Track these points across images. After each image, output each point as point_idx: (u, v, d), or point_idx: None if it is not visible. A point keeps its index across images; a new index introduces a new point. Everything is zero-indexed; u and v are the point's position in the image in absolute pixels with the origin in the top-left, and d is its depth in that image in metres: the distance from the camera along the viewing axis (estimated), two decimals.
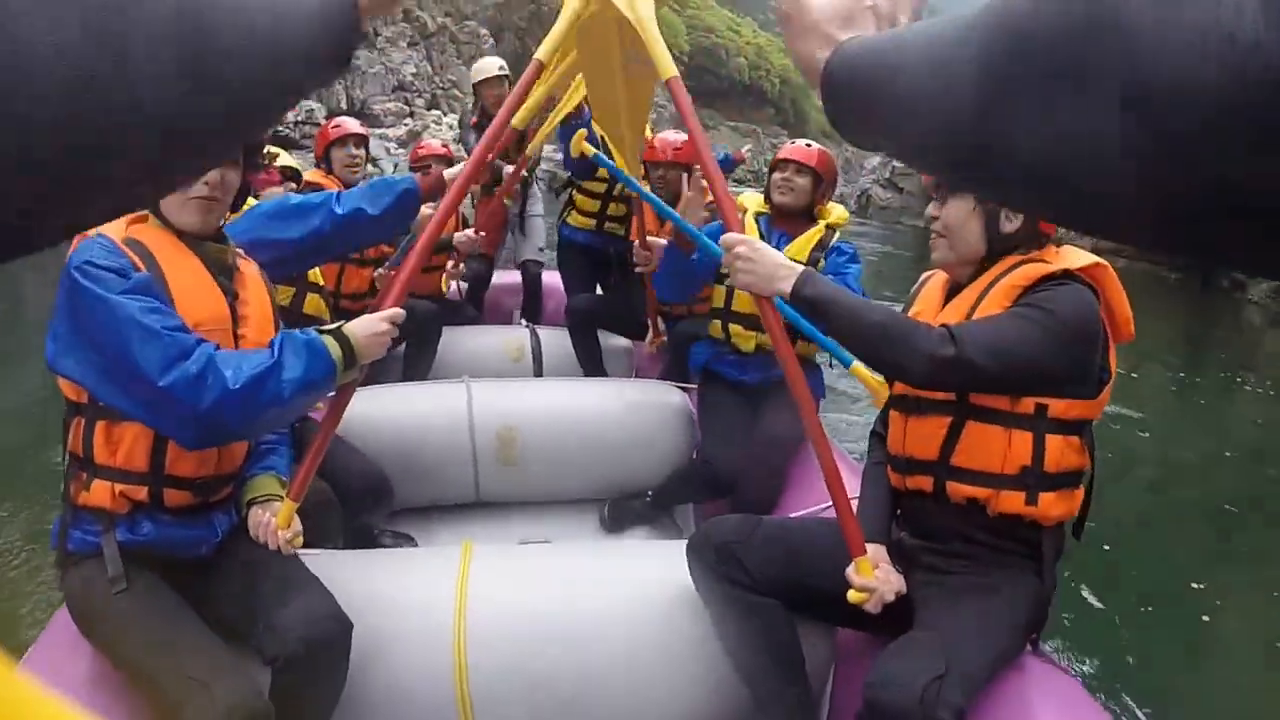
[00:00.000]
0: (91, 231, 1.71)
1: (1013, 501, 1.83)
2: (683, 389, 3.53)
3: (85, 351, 1.66)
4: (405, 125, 27.87)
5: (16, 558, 3.32)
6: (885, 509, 2.05)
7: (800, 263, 3.13)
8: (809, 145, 3.27)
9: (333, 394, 1.84)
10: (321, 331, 1.79)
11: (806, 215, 3.20)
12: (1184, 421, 7.91)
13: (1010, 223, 1.90)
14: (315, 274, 2.89)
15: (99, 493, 1.79)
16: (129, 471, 1.79)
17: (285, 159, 3.57)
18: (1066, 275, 1.81)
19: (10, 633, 2.67)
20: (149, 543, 1.82)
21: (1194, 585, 4.32)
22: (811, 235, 3.17)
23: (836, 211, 3.26)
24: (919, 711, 1.53)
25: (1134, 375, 8.30)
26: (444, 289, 4.48)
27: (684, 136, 3.88)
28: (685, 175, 3.84)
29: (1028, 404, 1.82)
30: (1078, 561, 4.08)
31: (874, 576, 1.77)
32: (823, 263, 3.12)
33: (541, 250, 5.29)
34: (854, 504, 1.85)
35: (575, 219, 4.64)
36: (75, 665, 1.78)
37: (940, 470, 1.90)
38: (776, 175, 3.23)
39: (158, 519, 1.83)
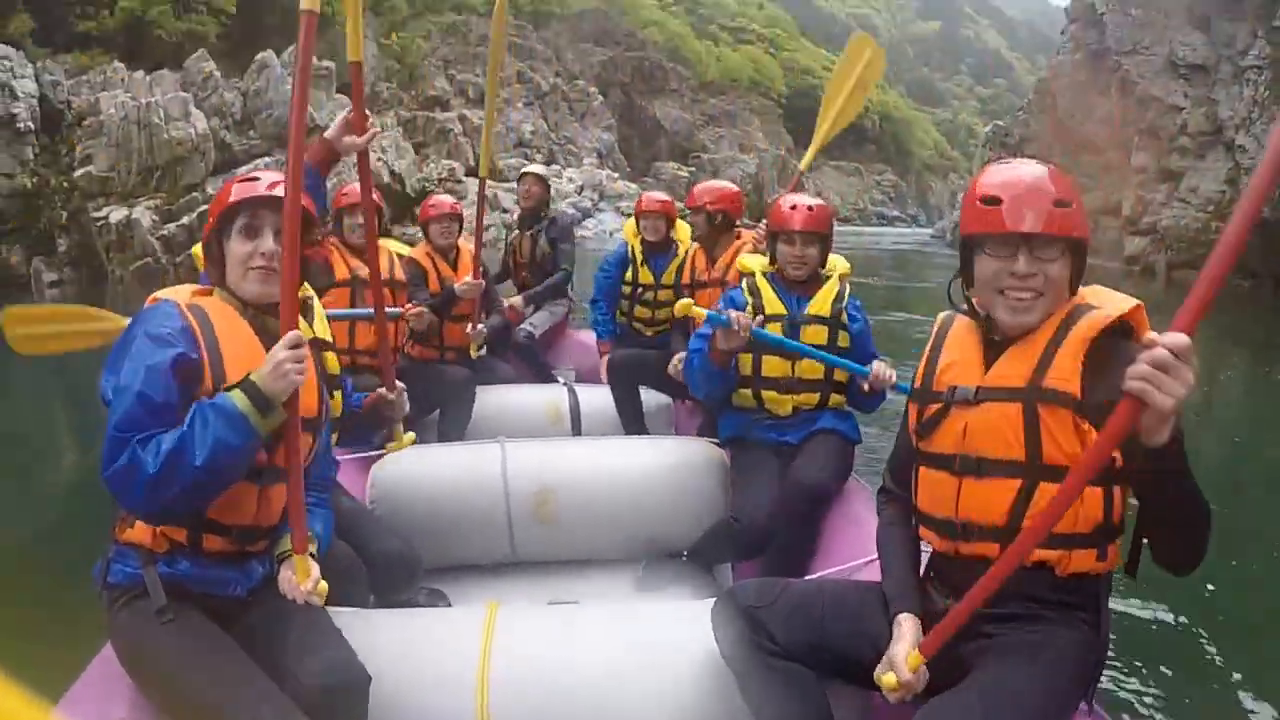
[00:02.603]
0: (162, 293, 1.88)
1: (1085, 560, 1.65)
2: (720, 444, 3.28)
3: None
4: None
5: (58, 601, 3.30)
6: (914, 579, 1.84)
7: (823, 318, 2.98)
8: (810, 207, 3.04)
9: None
10: (229, 387, 1.74)
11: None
12: (1262, 429, 7.39)
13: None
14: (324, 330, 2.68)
15: (140, 531, 1.79)
16: None
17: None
18: (1122, 323, 1.64)
19: (48, 675, 2.64)
20: (186, 579, 1.81)
21: (1263, 621, 3.78)
22: (829, 290, 3.05)
23: (841, 264, 3.15)
24: None
25: (1209, 383, 7.91)
26: (472, 353, 4.33)
27: (724, 186, 4.13)
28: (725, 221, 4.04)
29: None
30: (1135, 603, 3.64)
31: (919, 670, 1.63)
32: (844, 316, 3.00)
33: (535, 325, 5.04)
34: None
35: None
36: (116, 707, 1.72)
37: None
38: (786, 249, 3.05)
39: (195, 559, 1.83)
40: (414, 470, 3.08)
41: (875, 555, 2.41)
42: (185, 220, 16.66)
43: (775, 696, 1.81)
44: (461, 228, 4.42)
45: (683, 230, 4.63)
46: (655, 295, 4.59)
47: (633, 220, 4.69)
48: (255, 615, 1.89)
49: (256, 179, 1.91)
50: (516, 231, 5.26)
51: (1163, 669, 3.30)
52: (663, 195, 4.74)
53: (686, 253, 4.23)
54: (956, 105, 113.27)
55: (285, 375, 1.73)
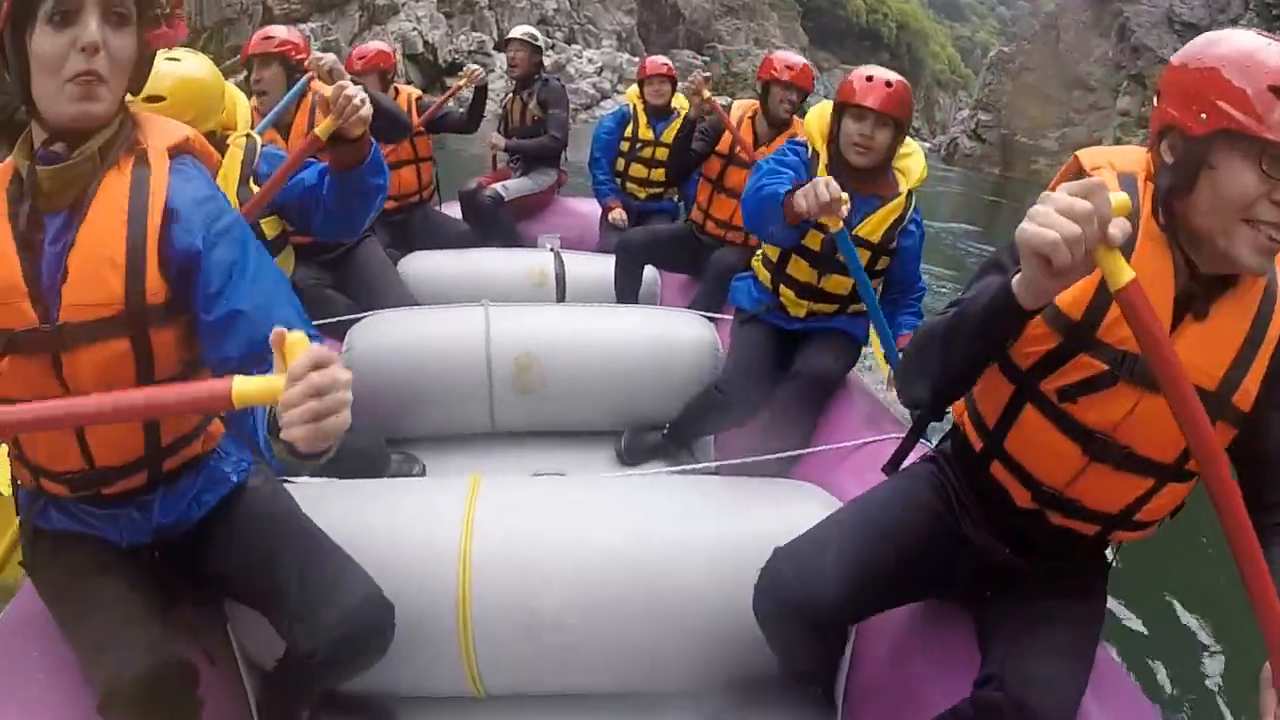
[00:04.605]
0: None
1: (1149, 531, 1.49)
2: (711, 319, 3.06)
3: None
4: (548, 58, 27.61)
5: None
6: None
7: (872, 244, 2.46)
8: (888, 83, 2.35)
9: None
10: None
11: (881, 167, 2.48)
12: None
13: None
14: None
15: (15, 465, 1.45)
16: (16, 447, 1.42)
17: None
18: None
19: None
20: (66, 527, 1.45)
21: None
22: (892, 210, 2.47)
23: (917, 168, 2.51)
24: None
25: None
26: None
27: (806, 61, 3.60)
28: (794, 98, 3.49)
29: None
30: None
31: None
32: (894, 243, 2.51)
33: (508, 189, 4.68)
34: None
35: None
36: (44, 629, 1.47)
37: (1115, 524, 1.43)
38: (852, 127, 2.37)
39: (58, 503, 1.45)
40: (393, 333, 2.85)
41: (873, 438, 2.29)
42: (232, 81, 16.82)
43: (803, 641, 1.64)
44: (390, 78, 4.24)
45: (681, 100, 4.50)
46: (653, 153, 4.47)
47: (636, 85, 4.63)
48: (224, 545, 1.52)
49: None
50: (510, 95, 4.89)
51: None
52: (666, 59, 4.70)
53: (731, 121, 3.57)
54: (976, 23, 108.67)
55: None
